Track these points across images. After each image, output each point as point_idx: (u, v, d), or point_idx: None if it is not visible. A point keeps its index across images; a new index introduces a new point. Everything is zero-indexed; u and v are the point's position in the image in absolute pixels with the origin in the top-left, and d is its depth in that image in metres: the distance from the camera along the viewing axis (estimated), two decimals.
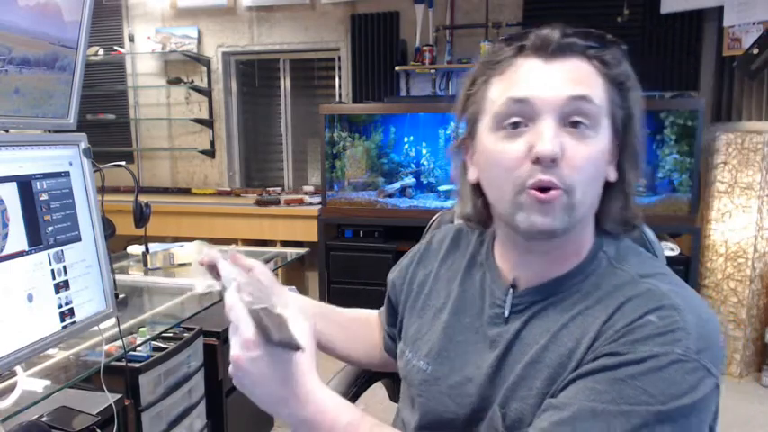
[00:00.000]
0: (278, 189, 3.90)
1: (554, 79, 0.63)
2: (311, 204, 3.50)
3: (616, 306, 0.62)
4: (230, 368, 0.56)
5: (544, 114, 0.62)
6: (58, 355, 1.26)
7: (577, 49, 0.64)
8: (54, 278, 0.97)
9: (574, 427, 0.56)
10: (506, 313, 0.70)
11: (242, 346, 0.54)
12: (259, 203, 3.55)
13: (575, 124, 0.62)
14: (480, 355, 0.70)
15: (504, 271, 0.73)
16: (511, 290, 0.71)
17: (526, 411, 0.63)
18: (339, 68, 3.85)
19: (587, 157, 0.62)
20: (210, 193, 3.92)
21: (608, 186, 0.67)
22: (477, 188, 0.72)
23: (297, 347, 0.53)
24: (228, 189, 3.97)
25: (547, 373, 0.63)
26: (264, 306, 0.54)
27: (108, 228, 1.44)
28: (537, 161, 0.61)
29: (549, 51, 0.63)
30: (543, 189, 0.61)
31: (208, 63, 3.97)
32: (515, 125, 0.63)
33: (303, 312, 0.60)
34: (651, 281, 0.63)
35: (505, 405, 0.66)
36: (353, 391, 1.07)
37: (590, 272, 0.67)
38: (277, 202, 3.55)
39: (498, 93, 0.65)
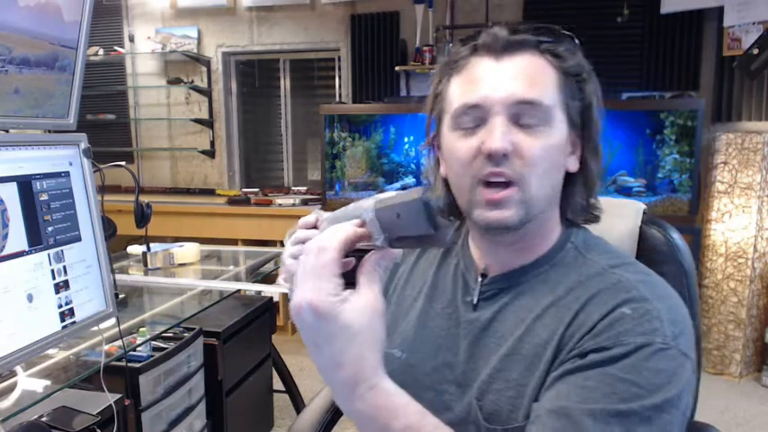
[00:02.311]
0: (303, 189, 3.85)
1: (504, 79, 0.65)
2: (281, 206, 3.55)
3: (587, 298, 0.64)
4: (298, 310, 0.47)
5: (495, 114, 0.64)
6: (58, 355, 1.26)
7: (529, 45, 0.66)
8: (54, 278, 0.97)
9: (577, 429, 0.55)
10: (474, 300, 0.72)
11: (327, 290, 0.46)
12: (230, 203, 3.66)
13: (526, 122, 0.64)
14: (454, 341, 0.72)
15: (477, 259, 0.75)
16: (480, 278, 0.73)
17: (502, 403, 0.64)
18: (339, 68, 3.85)
19: (539, 150, 0.64)
20: (235, 194, 3.88)
21: (570, 177, 0.70)
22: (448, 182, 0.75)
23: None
24: (255, 190, 3.89)
25: (523, 365, 0.64)
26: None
27: (109, 227, 1.44)
28: (489, 156, 0.63)
29: (499, 49, 0.66)
30: (495, 185, 0.64)
31: (208, 63, 3.97)
32: (471, 124, 0.66)
33: None
34: (619, 271, 0.65)
35: (482, 398, 0.66)
36: None
37: (557, 261, 0.69)
38: (248, 202, 3.66)
39: (456, 94, 0.68)
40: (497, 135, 0.63)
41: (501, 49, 0.66)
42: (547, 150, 0.64)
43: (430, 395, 0.71)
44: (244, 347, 2.00)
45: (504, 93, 0.64)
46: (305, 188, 3.87)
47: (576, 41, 0.69)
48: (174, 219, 3.55)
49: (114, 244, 1.41)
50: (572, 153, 0.69)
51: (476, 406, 0.67)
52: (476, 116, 0.65)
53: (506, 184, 0.64)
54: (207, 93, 3.99)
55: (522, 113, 0.64)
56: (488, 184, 0.64)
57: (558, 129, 0.66)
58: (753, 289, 2.81)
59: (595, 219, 0.74)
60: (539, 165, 0.64)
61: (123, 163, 1.52)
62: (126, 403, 1.35)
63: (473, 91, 0.66)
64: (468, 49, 0.68)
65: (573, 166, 0.69)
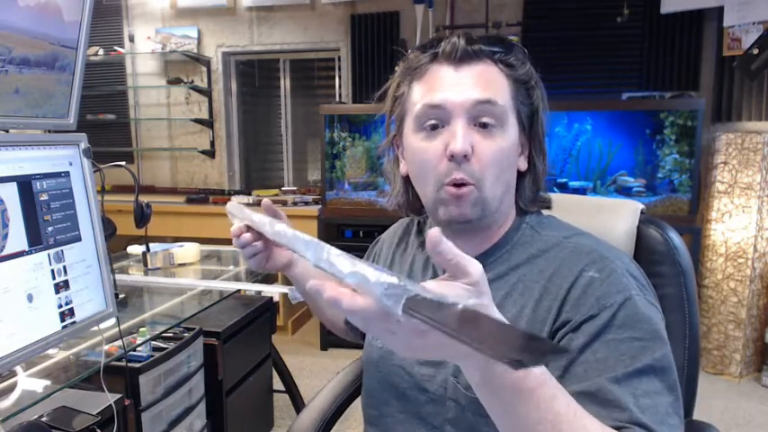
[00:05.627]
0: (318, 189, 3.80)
1: (463, 85, 0.70)
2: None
3: (551, 272, 0.70)
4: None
5: (456, 116, 0.70)
6: (58, 355, 1.26)
7: (484, 55, 0.72)
8: (54, 278, 0.97)
9: (614, 400, 0.58)
10: None
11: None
12: (189, 201, 3.70)
13: (484, 125, 0.70)
14: None
15: None
16: None
17: None
18: (339, 68, 3.85)
19: (495, 152, 0.70)
20: (275, 194, 3.81)
21: (520, 174, 0.77)
22: (408, 180, 0.80)
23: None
24: (294, 188, 3.87)
25: None
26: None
27: (108, 228, 1.44)
28: (452, 157, 0.69)
29: (457, 58, 0.71)
30: (458, 185, 0.70)
31: (208, 63, 3.97)
32: (433, 127, 0.72)
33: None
34: (574, 239, 0.73)
35: (458, 374, 0.72)
36: (353, 389, 1.07)
37: (516, 241, 0.76)
38: (206, 201, 3.70)
39: (418, 97, 0.74)
40: (459, 138, 0.68)
41: (459, 58, 0.71)
42: (501, 152, 0.71)
43: (406, 378, 0.78)
44: (244, 347, 2.00)
45: (463, 97, 0.70)
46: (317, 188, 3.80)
47: (525, 51, 0.75)
48: (174, 219, 3.55)
49: (114, 244, 1.41)
50: (521, 153, 0.76)
51: (452, 382, 0.72)
52: (437, 117, 0.71)
53: (466, 184, 0.70)
54: (207, 93, 3.99)
55: (481, 114, 0.70)
56: (450, 184, 0.71)
57: (510, 130, 0.72)
58: (753, 289, 2.81)
59: (547, 206, 0.80)
60: (494, 166, 0.70)
61: (123, 163, 1.52)
62: (126, 403, 1.35)
63: (435, 94, 0.71)
64: (429, 56, 0.74)
65: (522, 165, 0.76)
